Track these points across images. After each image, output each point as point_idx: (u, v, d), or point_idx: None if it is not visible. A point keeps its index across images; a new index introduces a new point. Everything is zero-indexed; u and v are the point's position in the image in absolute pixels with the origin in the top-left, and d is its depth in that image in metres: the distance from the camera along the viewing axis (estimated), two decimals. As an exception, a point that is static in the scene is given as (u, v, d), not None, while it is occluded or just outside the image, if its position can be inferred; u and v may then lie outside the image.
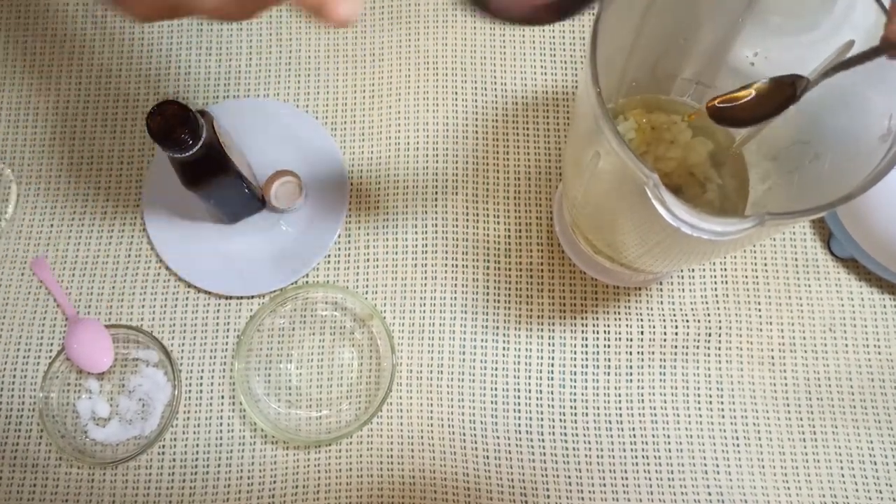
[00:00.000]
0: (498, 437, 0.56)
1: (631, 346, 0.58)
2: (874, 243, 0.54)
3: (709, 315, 0.58)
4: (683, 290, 0.59)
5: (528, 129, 0.62)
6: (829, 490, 0.55)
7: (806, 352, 0.58)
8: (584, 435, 0.56)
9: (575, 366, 0.58)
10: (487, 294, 0.59)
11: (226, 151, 0.51)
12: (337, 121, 0.62)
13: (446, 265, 0.59)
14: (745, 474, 0.56)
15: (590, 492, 0.55)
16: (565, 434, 0.56)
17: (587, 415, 0.57)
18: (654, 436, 0.56)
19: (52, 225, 0.61)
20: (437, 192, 0.61)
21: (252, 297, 0.59)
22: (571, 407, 0.57)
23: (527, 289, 0.59)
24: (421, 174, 0.61)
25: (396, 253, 0.60)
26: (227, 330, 0.59)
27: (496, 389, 0.57)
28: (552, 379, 0.57)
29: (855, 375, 0.57)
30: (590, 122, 0.36)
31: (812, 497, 0.55)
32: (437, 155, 0.61)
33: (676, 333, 0.58)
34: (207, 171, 0.50)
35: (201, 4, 0.30)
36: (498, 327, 0.58)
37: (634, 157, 0.33)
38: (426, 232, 0.60)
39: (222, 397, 0.57)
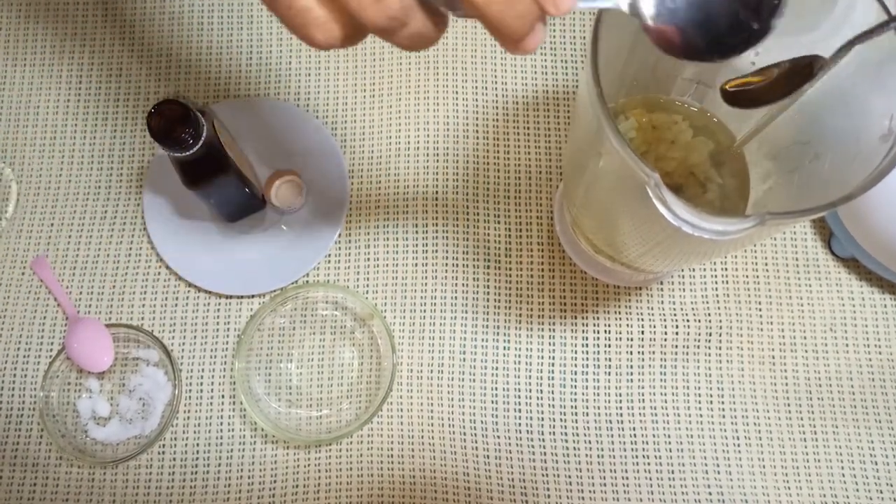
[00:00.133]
0: (498, 437, 0.56)
1: (631, 346, 0.58)
2: (875, 243, 0.54)
3: (709, 314, 0.58)
4: (684, 289, 0.59)
5: (528, 128, 0.62)
6: (829, 489, 0.55)
7: (806, 351, 0.58)
8: (585, 434, 0.56)
9: (575, 365, 0.58)
10: (488, 293, 0.59)
11: (226, 151, 0.51)
12: (337, 120, 0.62)
13: (447, 265, 0.59)
14: (746, 474, 0.56)
15: (590, 491, 0.55)
16: (566, 433, 0.56)
17: (587, 414, 0.57)
18: (654, 435, 0.56)
19: (52, 224, 0.61)
20: (437, 192, 0.61)
21: (252, 296, 0.59)
22: (572, 406, 0.57)
23: (527, 288, 0.59)
24: (421, 174, 0.61)
25: (397, 252, 0.60)
26: (228, 329, 0.59)
27: (496, 389, 0.57)
28: (552, 378, 0.57)
29: (855, 375, 0.57)
30: (591, 122, 0.36)
31: (812, 496, 0.55)
32: (437, 154, 0.61)
33: (677, 333, 0.58)
34: (208, 170, 0.50)
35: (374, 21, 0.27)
36: (498, 327, 0.58)
37: (635, 157, 0.33)
38: (426, 231, 0.60)
39: (223, 397, 0.57)
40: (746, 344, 0.58)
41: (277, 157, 0.60)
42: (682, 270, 0.59)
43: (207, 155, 0.49)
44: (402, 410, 0.57)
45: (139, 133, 0.62)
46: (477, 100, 0.63)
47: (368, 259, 0.60)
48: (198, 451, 0.56)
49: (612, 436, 0.56)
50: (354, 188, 0.61)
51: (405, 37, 0.28)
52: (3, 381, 0.58)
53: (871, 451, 0.56)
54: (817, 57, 0.36)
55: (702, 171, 0.49)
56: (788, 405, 0.57)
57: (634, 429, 0.56)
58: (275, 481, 0.56)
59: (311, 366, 0.58)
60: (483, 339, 0.58)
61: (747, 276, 0.59)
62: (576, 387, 0.57)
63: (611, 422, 0.57)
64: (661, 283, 0.59)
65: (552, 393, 0.57)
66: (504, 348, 0.58)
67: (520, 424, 0.56)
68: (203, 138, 0.47)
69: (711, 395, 0.57)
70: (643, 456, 0.56)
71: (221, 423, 0.57)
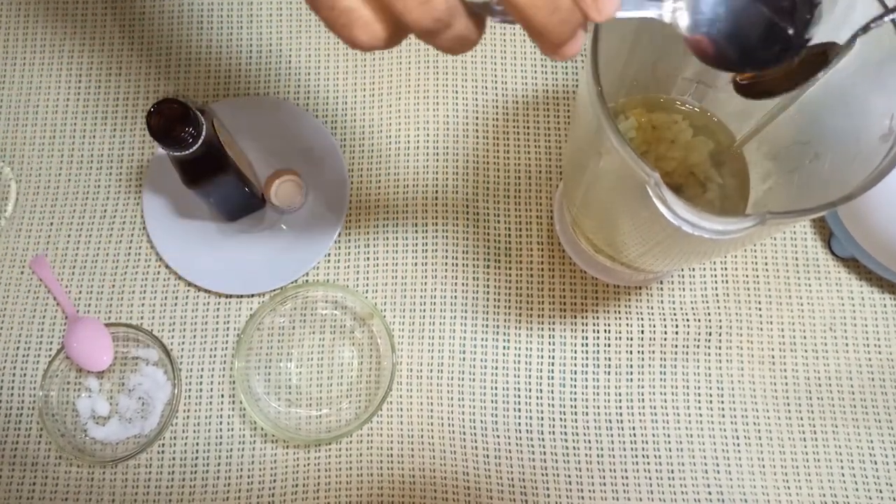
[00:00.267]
0: (498, 436, 0.56)
1: (631, 346, 0.58)
2: (875, 243, 0.54)
3: (709, 314, 0.58)
4: (684, 289, 0.59)
5: (528, 128, 0.62)
6: (829, 489, 0.55)
7: (806, 351, 0.58)
8: (585, 434, 0.56)
9: (575, 365, 0.58)
10: (487, 293, 0.59)
11: (226, 150, 0.51)
12: (337, 119, 0.62)
13: (446, 264, 0.59)
14: (746, 473, 0.56)
15: (590, 491, 0.55)
16: (565, 433, 0.56)
17: (587, 414, 0.57)
18: (654, 435, 0.56)
19: (51, 223, 0.61)
20: (437, 191, 0.61)
21: (252, 295, 0.59)
22: (572, 406, 0.57)
23: (527, 288, 0.59)
24: (421, 173, 0.61)
25: (397, 252, 0.60)
26: (227, 329, 0.59)
27: (496, 388, 0.57)
28: (552, 378, 0.57)
29: (855, 375, 0.57)
30: (591, 121, 0.36)
31: (812, 496, 0.55)
32: (437, 154, 0.61)
33: (677, 333, 0.58)
34: (207, 169, 0.50)
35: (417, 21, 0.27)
36: (498, 326, 0.58)
37: (635, 156, 0.33)
38: (426, 231, 0.60)
39: (222, 396, 0.57)
40: (746, 343, 0.58)
41: (277, 157, 0.60)
42: (682, 270, 0.59)
43: (207, 154, 0.49)
44: (401, 410, 0.57)
45: (139, 132, 0.62)
46: (477, 99, 0.63)
47: (368, 258, 0.60)
48: (197, 451, 0.56)
49: (612, 435, 0.56)
50: (354, 187, 0.61)
51: (448, 39, 0.28)
52: (2, 380, 0.58)
53: (870, 451, 0.56)
54: (832, 44, 0.36)
55: (702, 170, 0.49)
56: (788, 405, 0.57)
57: (634, 428, 0.56)
58: (274, 481, 0.56)
59: (310, 365, 0.58)
60: (483, 339, 0.58)
61: (747, 276, 0.59)
62: (575, 386, 0.57)
63: (610, 421, 0.57)
64: (661, 282, 0.59)
65: (552, 392, 0.57)
66: (504, 348, 0.58)
67: (519, 424, 0.56)
68: (203, 137, 0.47)
69: (711, 395, 0.57)
70: (643, 455, 0.56)
71: (221, 423, 0.57)
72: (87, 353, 0.56)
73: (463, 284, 0.59)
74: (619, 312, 0.59)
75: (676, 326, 0.58)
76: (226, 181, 0.52)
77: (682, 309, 0.59)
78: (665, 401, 0.57)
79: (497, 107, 0.62)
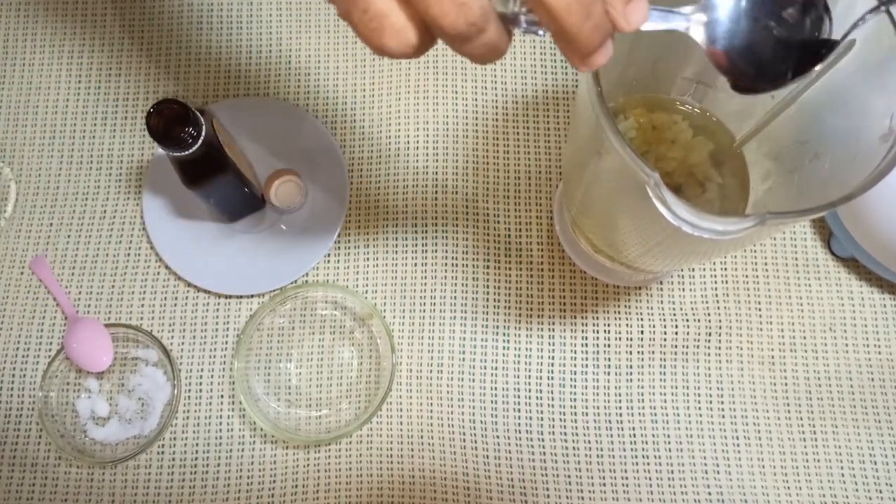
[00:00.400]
0: (498, 437, 0.56)
1: (631, 346, 0.58)
2: (874, 243, 0.54)
3: (709, 314, 0.58)
4: (684, 289, 0.59)
5: (528, 128, 0.62)
6: (828, 489, 0.55)
7: (806, 351, 0.58)
8: (584, 434, 0.56)
9: (575, 365, 0.58)
10: (487, 293, 0.59)
11: (225, 150, 0.51)
12: (337, 119, 0.62)
13: (446, 264, 0.59)
14: (745, 474, 0.56)
15: (590, 491, 0.55)
16: (565, 433, 0.56)
17: (587, 414, 0.57)
18: (654, 435, 0.56)
19: (51, 224, 0.61)
20: (436, 192, 0.61)
21: (252, 296, 0.59)
22: (571, 406, 0.57)
23: (527, 288, 0.59)
24: (421, 173, 0.61)
25: (396, 252, 0.60)
26: (227, 329, 0.58)
27: (496, 389, 0.57)
28: (552, 378, 0.57)
29: (855, 375, 0.57)
30: (590, 121, 0.36)
31: (812, 496, 0.55)
32: (436, 154, 0.61)
33: (676, 333, 0.58)
34: (207, 169, 0.50)
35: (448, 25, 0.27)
36: (498, 326, 0.58)
37: (635, 157, 0.33)
38: (426, 231, 0.60)
39: (222, 396, 0.57)
40: (746, 344, 0.58)
41: (277, 157, 0.60)
42: (682, 270, 0.59)
43: (207, 154, 0.49)
44: (401, 410, 0.57)
45: (138, 133, 0.62)
46: (476, 99, 0.63)
47: (368, 259, 0.60)
48: (197, 451, 0.56)
49: (612, 436, 0.56)
50: (354, 188, 0.61)
51: (480, 45, 0.28)
52: (1, 380, 0.58)
53: (870, 451, 0.56)
54: (832, 40, 0.36)
55: (701, 170, 0.49)
56: (788, 405, 0.57)
57: (634, 429, 0.56)
58: (274, 481, 0.56)
59: (310, 366, 0.58)
60: (482, 339, 0.58)
61: (747, 276, 0.59)
62: (575, 387, 0.57)
63: (610, 422, 0.57)
64: (661, 282, 0.59)
65: (552, 393, 0.57)
66: (503, 348, 0.58)
67: (519, 424, 0.56)
68: (202, 138, 0.47)
69: (711, 395, 0.57)
70: (643, 456, 0.56)
71: (220, 423, 0.57)
72: (86, 353, 0.56)
73: (463, 284, 0.59)
74: (619, 313, 0.59)
75: (676, 327, 0.58)
76: (225, 182, 0.52)
77: (681, 309, 0.59)
78: (665, 401, 0.57)
79: (497, 107, 0.62)
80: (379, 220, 0.60)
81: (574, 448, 0.56)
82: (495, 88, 0.63)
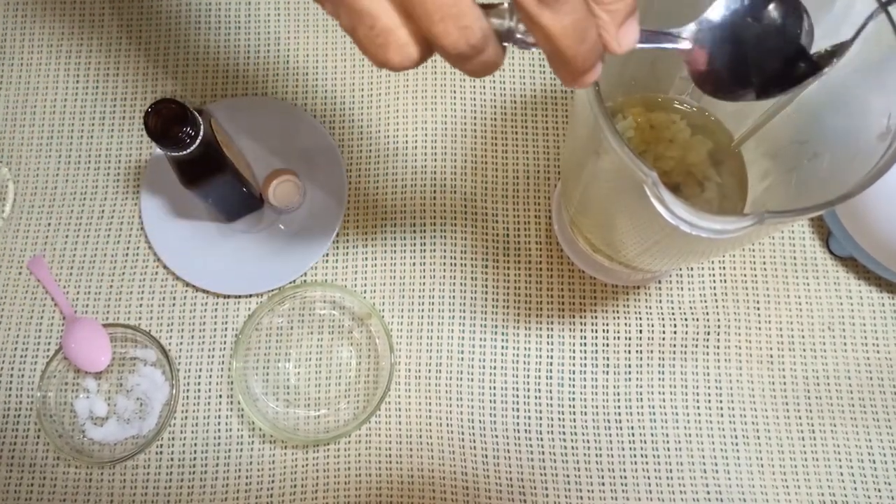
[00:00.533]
0: (497, 436, 0.56)
1: (630, 345, 0.58)
2: (873, 242, 0.54)
3: (707, 314, 0.58)
4: (682, 288, 0.59)
5: (526, 127, 0.62)
6: (827, 488, 0.55)
7: (805, 350, 0.58)
8: (583, 434, 0.56)
9: (574, 364, 0.58)
10: (486, 293, 0.59)
11: (223, 150, 0.51)
12: (335, 119, 0.62)
13: (444, 264, 0.59)
14: (744, 473, 0.56)
15: (588, 490, 0.55)
16: (564, 433, 0.56)
17: (586, 413, 0.57)
18: (652, 434, 0.56)
19: (49, 224, 0.60)
20: (435, 191, 0.61)
21: (250, 295, 0.59)
22: (570, 406, 0.57)
23: (525, 287, 0.59)
24: (419, 173, 0.61)
25: (395, 252, 0.60)
26: (226, 329, 0.58)
27: (495, 388, 0.57)
28: (551, 378, 0.57)
29: (854, 374, 0.57)
30: (588, 121, 0.36)
31: (811, 495, 0.55)
32: (435, 153, 0.61)
33: (675, 332, 0.58)
34: (205, 169, 0.50)
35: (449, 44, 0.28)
36: (496, 326, 0.58)
37: (633, 156, 0.33)
38: (424, 230, 0.60)
39: (220, 396, 0.57)
40: (745, 343, 0.58)
41: (275, 157, 0.60)
42: (681, 269, 0.59)
43: (205, 154, 0.49)
44: (400, 410, 0.57)
45: (136, 132, 0.62)
46: (475, 99, 0.63)
47: (366, 258, 0.60)
48: (195, 451, 0.56)
49: (611, 435, 0.56)
50: (352, 187, 0.61)
51: (477, 63, 0.29)
52: (0, 381, 0.58)
53: (868, 450, 0.56)
54: (844, 42, 0.36)
55: (700, 170, 0.49)
56: (786, 404, 0.57)
57: (633, 428, 0.56)
58: (273, 481, 0.56)
59: (308, 365, 0.58)
60: (481, 339, 0.58)
61: (745, 275, 0.59)
62: (574, 386, 0.57)
63: (609, 421, 0.57)
64: (660, 282, 0.59)
65: (550, 392, 0.57)
66: (502, 347, 0.58)
67: (518, 424, 0.56)
68: (200, 137, 0.47)
69: (710, 394, 0.57)
70: (641, 455, 0.56)
71: (219, 423, 0.57)
72: (84, 353, 0.56)
73: (461, 284, 0.59)
74: (618, 312, 0.59)
75: (675, 326, 0.58)
76: (224, 181, 0.52)
77: (680, 308, 0.59)
78: (663, 400, 0.57)
79: (495, 106, 0.62)
80: (377, 220, 0.60)
81: (573, 447, 0.56)
82: (493, 88, 0.63)
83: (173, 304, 0.59)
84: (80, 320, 0.57)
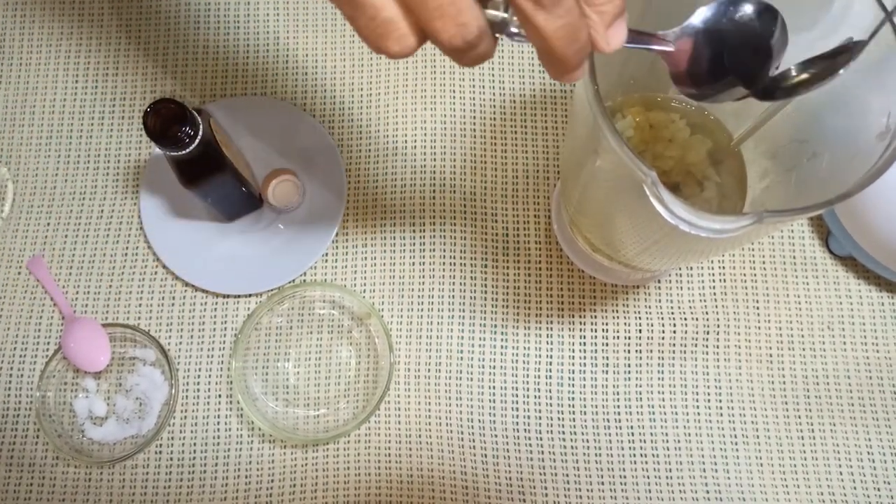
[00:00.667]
0: (496, 436, 0.56)
1: (629, 345, 0.58)
2: (872, 241, 0.54)
3: (707, 313, 0.58)
4: (682, 288, 0.59)
5: (525, 127, 0.62)
6: (826, 487, 0.55)
7: (804, 350, 0.58)
8: (583, 433, 0.56)
9: (573, 364, 0.58)
10: (485, 292, 0.59)
11: (223, 150, 0.51)
12: (335, 119, 0.62)
13: (444, 263, 0.59)
14: (744, 472, 0.56)
15: (588, 490, 0.55)
16: (563, 432, 0.56)
17: (585, 413, 0.57)
18: (652, 434, 0.56)
19: (48, 224, 0.60)
20: (434, 191, 0.61)
21: (249, 295, 0.59)
22: (570, 405, 0.57)
23: (525, 287, 0.59)
24: (419, 172, 0.61)
25: (394, 251, 0.60)
26: (225, 329, 0.58)
27: (494, 388, 0.57)
28: (550, 377, 0.57)
29: (853, 373, 0.57)
30: (588, 120, 0.36)
31: (810, 494, 0.55)
32: (434, 153, 0.61)
33: (675, 331, 0.58)
34: (204, 169, 0.50)
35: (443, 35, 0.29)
36: (496, 325, 0.58)
37: (633, 155, 0.33)
38: (424, 230, 0.60)
39: (219, 396, 0.57)
40: (744, 342, 0.58)
41: (274, 156, 0.60)
42: (680, 269, 0.59)
43: (204, 154, 0.49)
44: (399, 409, 0.57)
45: (135, 132, 0.62)
46: (474, 98, 0.63)
47: (366, 258, 0.60)
48: (195, 451, 0.56)
49: (610, 434, 0.56)
50: (352, 187, 0.61)
51: (471, 56, 0.30)
52: (-1, 380, 0.58)
53: (868, 449, 0.56)
54: (857, 42, 0.36)
55: (699, 169, 0.49)
56: (786, 403, 0.57)
57: (632, 427, 0.56)
58: (272, 480, 0.56)
59: (308, 365, 0.58)
60: (480, 338, 0.58)
61: (745, 275, 0.59)
62: (573, 385, 0.57)
63: (608, 420, 0.57)
64: (659, 281, 0.59)
65: (550, 391, 0.57)
66: (502, 347, 0.58)
67: (517, 423, 0.56)
68: (199, 137, 0.47)
69: (709, 394, 0.57)
70: (641, 454, 0.56)
71: (218, 423, 0.57)
72: (84, 353, 0.56)
73: (461, 284, 0.59)
74: (617, 311, 0.59)
75: (674, 325, 0.58)
76: (223, 181, 0.52)
77: (679, 308, 0.59)
78: (663, 399, 0.57)
79: (494, 106, 0.62)
80: (377, 220, 0.60)
81: (572, 447, 0.56)
82: (493, 88, 0.63)
83: (172, 304, 0.59)
84: (79, 320, 0.57)
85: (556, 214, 0.59)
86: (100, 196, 0.61)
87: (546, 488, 0.55)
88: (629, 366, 0.58)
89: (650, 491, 0.55)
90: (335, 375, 0.58)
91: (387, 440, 0.56)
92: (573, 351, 0.58)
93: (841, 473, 0.56)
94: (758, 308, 0.59)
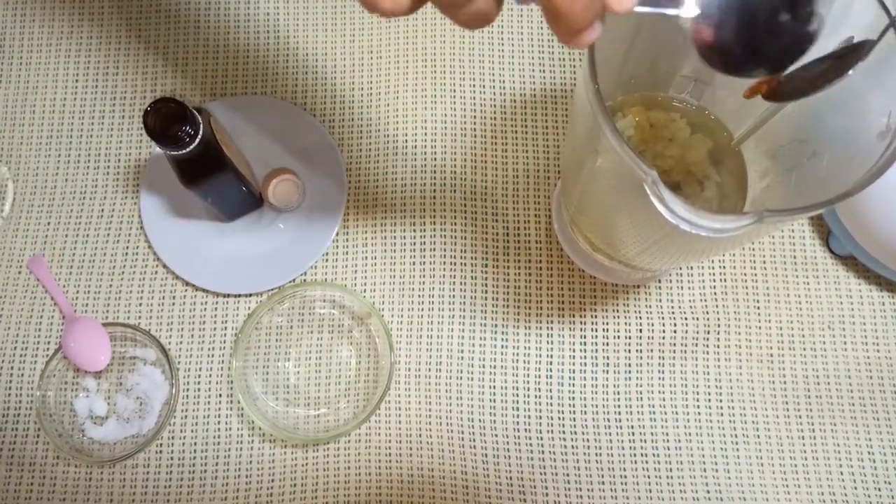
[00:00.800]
0: (496, 435, 0.56)
1: (630, 344, 0.58)
2: (873, 241, 0.54)
3: (707, 313, 0.58)
4: (682, 287, 0.59)
5: (526, 126, 0.62)
6: (827, 487, 0.55)
7: (805, 349, 0.58)
8: (583, 433, 0.56)
9: (574, 364, 0.58)
10: (486, 292, 0.59)
11: (223, 149, 0.51)
12: (335, 118, 0.62)
13: (444, 263, 0.59)
14: (744, 472, 0.56)
15: (588, 490, 0.55)
16: (564, 432, 0.56)
17: (586, 413, 0.57)
18: (652, 434, 0.56)
19: (48, 223, 0.60)
20: (435, 190, 0.61)
21: (250, 295, 0.59)
22: (570, 405, 0.57)
23: (525, 287, 0.59)
24: (419, 172, 0.61)
25: (395, 251, 0.60)
26: (225, 328, 0.58)
27: (494, 387, 0.57)
28: (551, 377, 0.57)
29: (854, 373, 0.57)
30: (588, 120, 0.36)
31: (810, 494, 0.55)
32: (435, 152, 0.61)
33: (675, 331, 0.58)
34: (205, 168, 0.50)
35: None
36: (496, 325, 0.58)
37: (633, 155, 0.33)
38: (424, 230, 0.60)
39: (220, 395, 0.57)
40: (745, 342, 0.58)
41: (275, 156, 0.60)
42: (680, 268, 0.59)
43: (204, 153, 0.49)
44: (399, 409, 0.57)
45: (136, 131, 0.62)
46: (475, 98, 0.63)
47: (366, 257, 0.60)
48: (195, 450, 0.56)
49: (611, 434, 0.56)
50: (352, 186, 0.61)
51: (469, 13, 0.28)
52: (-1, 380, 0.58)
53: (868, 449, 0.56)
54: (867, 41, 0.36)
55: (700, 168, 0.49)
56: (786, 403, 0.57)
57: (633, 427, 0.56)
58: (272, 480, 0.56)
59: (308, 364, 0.58)
60: (481, 338, 0.58)
61: (745, 274, 0.59)
62: (574, 385, 0.57)
63: (609, 420, 0.57)
64: (659, 281, 0.59)
65: (550, 391, 0.57)
66: (502, 347, 0.58)
67: (518, 423, 0.56)
68: (200, 136, 0.47)
69: (710, 393, 0.57)
70: (641, 454, 0.56)
71: (219, 422, 0.57)
72: (84, 352, 0.56)
73: (461, 283, 0.59)
74: (618, 311, 0.59)
75: (675, 325, 0.58)
76: (223, 180, 0.52)
77: (680, 307, 0.59)
78: (663, 399, 0.57)
79: (495, 105, 0.62)
80: (377, 219, 0.60)
81: (573, 446, 0.56)
82: (493, 87, 0.63)
83: (173, 304, 0.59)
84: (79, 319, 0.57)
85: (556, 214, 0.59)
86: (100, 195, 0.61)
87: (546, 488, 0.55)
88: (629, 365, 0.58)
89: (650, 490, 0.55)
90: (335, 375, 0.58)
91: (387, 440, 0.56)
92: (573, 350, 0.58)
93: (841, 473, 0.56)
94: (758, 308, 0.59)
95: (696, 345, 0.58)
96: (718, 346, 0.58)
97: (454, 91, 0.63)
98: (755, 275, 0.59)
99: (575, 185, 0.46)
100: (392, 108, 0.62)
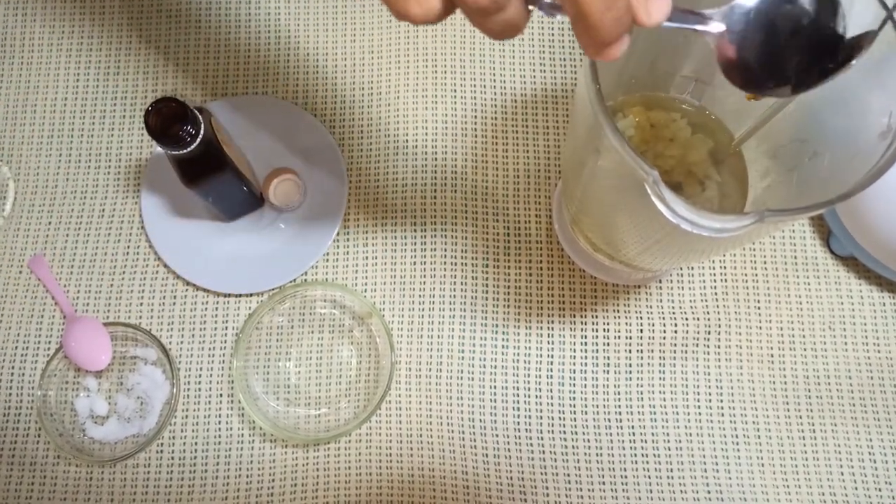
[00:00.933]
0: (497, 435, 0.56)
1: (630, 345, 0.58)
2: (873, 241, 0.54)
3: (708, 313, 0.58)
4: (683, 288, 0.59)
5: (527, 126, 0.62)
6: (828, 488, 0.55)
7: (805, 350, 0.58)
8: (584, 433, 0.56)
9: (574, 364, 0.58)
10: (486, 292, 0.59)
11: (224, 149, 0.51)
12: (336, 118, 0.62)
13: (445, 263, 0.59)
14: (745, 472, 0.56)
15: (589, 490, 0.55)
16: (564, 432, 0.56)
17: (586, 413, 0.57)
18: (653, 434, 0.56)
19: (49, 223, 0.61)
20: (435, 190, 0.61)
21: (251, 294, 0.59)
22: (571, 405, 0.57)
23: (526, 287, 0.59)
24: (420, 172, 0.61)
25: (395, 251, 0.60)
26: (226, 328, 0.58)
27: (495, 387, 0.57)
28: (551, 377, 0.57)
29: (854, 373, 0.57)
30: (589, 120, 0.36)
31: (811, 495, 0.55)
32: (435, 152, 0.61)
33: (676, 332, 0.58)
34: (206, 168, 0.50)
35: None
36: (497, 325, 0.58)
37: (634, 155, 0.33)
38: (425, 230, 0.60)
39: (221, 395, 0.57)
40: (745, 342, 0.58)
41: (275, 156, 0.60)
42: (681, 269, 0.59)
43: (205, 153, 0.49)
44: (400, 409, 0.57)
45: (137, 131, 0.62)
46: (475, 98, 0.63)
47: (367, 257, 0.60)
48: (196, 450, 0.56)
49: (611, 434, 0.56)
50: (353, 186, 0.61)
51: (499, 22, 0.28)
52: (0, 379, 0.58)
53: (869, 450, 0.56)
54: (868, 32, 0.36)
55: (700, 168, 0.49)
56: (787, 403, 0.57)
57: (633, 427, 0.56)
58: (273, 480, 0.56)
59: (309, 364, 0.58)
60: (482, 338, 0.58)
61: (746, 275, 0.59)
62: (574, 385, 0.57)
63: (609, 420, 0.57)
64: (660, 281, 0.59)
65: (551, 391, 0.57)
66: (503, 347, 0.58)
67: (518, 423, 0.56)
68: (201, 136, 0.47)
69: (710, 394, 0.57)
70: (642, 454, 0.56)
71: (220, 422, 0.57)
72: (85, 352, 0.56)
73: (462, 283, 0.59)
74: (618, 311, 0.59)
75: (675, 325, 0.58)
76: (224, 180, 0.52)
77: (681, 308, 0.59)
78: (664, 399, 0.57)
79: (496, 105, 0.62)
80: (378, 219, 0.60)
81: (573, 447, 0.56)
82: (494, 87, 0.63)
83: (174, 303, 0.59)
84: (80, 319, 0.57)
85: (557, 214, 0.59)
86: (101, 195, 0.61)
87: (547, 488, 0.55)
88: (630, 365, 0.58)
89: (651, 490, 0.55)
90: (336, 375, 0.58)
91: (388, 439, 0.56)
92: (574, 350, 0.58)
93: (842, 473, 0.56)
94: (759, 308, 0.59)
95: (697, 345, 0.58)
96: (719, 347, 0.58)
97: (455, 91, 0.63)
98: (756, 275, 0.59)
99: (576, 185, 0.46)
100: (393, 108, 0.62)
